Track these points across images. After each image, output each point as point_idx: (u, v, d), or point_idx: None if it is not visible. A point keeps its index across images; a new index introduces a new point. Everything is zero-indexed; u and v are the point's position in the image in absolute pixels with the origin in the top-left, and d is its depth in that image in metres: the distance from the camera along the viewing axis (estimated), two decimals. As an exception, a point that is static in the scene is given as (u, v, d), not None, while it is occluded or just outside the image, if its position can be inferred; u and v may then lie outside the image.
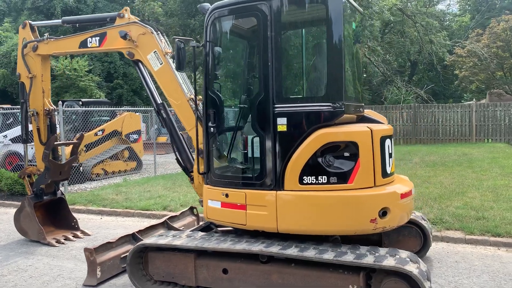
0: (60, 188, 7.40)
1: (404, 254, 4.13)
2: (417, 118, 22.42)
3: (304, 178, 4.31)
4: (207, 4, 4.81)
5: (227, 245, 4.47)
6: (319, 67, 4.65)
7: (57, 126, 8.43)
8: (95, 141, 13.60)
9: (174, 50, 4.60)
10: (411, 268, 3.86)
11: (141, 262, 4.97)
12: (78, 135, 7.23)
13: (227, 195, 4.65)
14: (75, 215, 8.67)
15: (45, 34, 6.76)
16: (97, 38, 6.30)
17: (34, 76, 6.87)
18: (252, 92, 4.98)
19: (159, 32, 5.91)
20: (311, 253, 4.15)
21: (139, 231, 5.82)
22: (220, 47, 4.67)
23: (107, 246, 5.34)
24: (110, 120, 14.64)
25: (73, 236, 7.07)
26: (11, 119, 14.88)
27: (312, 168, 4.29)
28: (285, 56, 4.65)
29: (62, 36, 6.72)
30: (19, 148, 12.78)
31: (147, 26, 5.87)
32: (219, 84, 4.81)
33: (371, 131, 4.41)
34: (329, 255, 4.09)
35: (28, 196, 6.93)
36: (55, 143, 6.79)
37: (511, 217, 6.94)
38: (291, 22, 4.68)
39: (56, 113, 7.22)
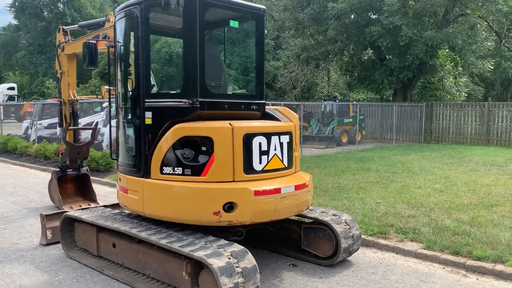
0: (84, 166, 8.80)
1: (231, 249, 4.20)
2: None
3: (164, 168, 4.67)
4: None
5: (108, 223, 5.08)
6: (180, 65, 4.87)
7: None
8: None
9: (83, 50, 5.31)
10: (214, 261, 3.96)
11: (72, 230, 5.88)
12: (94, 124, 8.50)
13: (120, 180, 5.24)
14: (112, 189, 10.17)
15: (67, 37, 8.14)
16: (95, 40, 7.38)
17: (63, 72, 8.32)
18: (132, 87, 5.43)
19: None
20: (154, 237, 4.50)
21: (105, 206, 6.73)
22: (123, 46, 5.22)
23: (61, 214, 6.38)
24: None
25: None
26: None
27: (170, 159, 4.63)
28: (152, 55, 4.99)
29: (76, 39, 8.02)
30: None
31: (122, 28, 6.71)
32: (123, 80, 5.36)
33: (232, 128, 4.52)
34: (164, 240, 4.39)
35: (54, 170, 8.46)
36: (69, 128, 8.15)
37: (502, 237, 5.97)
38: (158, 23, 4.98)
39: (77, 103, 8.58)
